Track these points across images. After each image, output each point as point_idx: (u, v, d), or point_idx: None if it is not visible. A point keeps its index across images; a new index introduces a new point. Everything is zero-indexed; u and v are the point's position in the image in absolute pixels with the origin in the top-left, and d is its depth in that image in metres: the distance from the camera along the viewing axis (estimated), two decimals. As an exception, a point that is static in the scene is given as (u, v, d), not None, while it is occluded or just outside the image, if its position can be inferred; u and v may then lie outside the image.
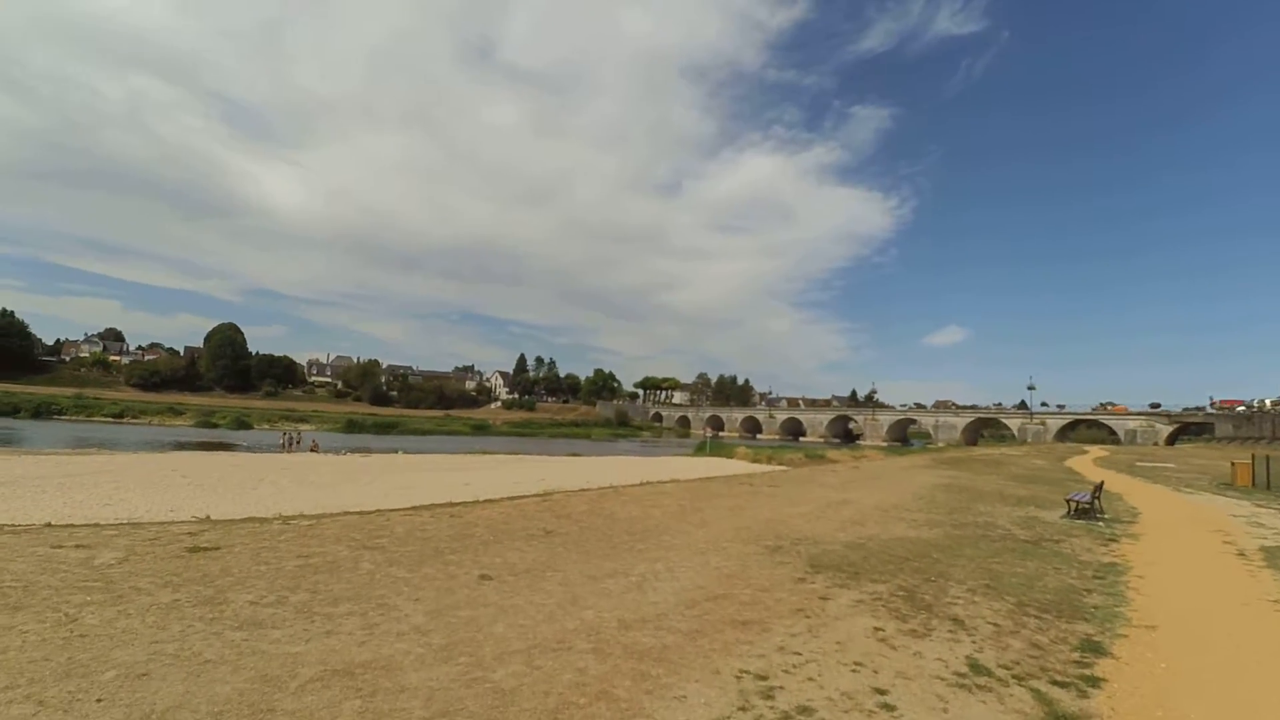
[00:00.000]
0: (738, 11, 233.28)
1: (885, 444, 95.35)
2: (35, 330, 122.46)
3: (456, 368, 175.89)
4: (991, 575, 7.56)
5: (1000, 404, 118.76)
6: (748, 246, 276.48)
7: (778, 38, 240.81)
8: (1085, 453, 54.91)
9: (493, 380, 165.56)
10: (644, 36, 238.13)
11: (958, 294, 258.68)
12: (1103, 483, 14.74)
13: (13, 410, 61.53)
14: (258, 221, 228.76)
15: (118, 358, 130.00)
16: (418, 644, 4.44)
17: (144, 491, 17.13)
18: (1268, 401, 69.30)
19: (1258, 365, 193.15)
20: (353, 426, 76.42)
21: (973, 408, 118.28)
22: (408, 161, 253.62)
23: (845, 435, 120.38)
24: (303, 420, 79.39)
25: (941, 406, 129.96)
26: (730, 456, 45.48)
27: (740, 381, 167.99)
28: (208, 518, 13.45)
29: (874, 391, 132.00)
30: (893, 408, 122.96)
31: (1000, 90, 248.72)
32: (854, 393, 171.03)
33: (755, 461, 41.15)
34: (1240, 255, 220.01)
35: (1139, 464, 38.79)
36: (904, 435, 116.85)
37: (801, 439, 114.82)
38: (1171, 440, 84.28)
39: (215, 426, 66.66)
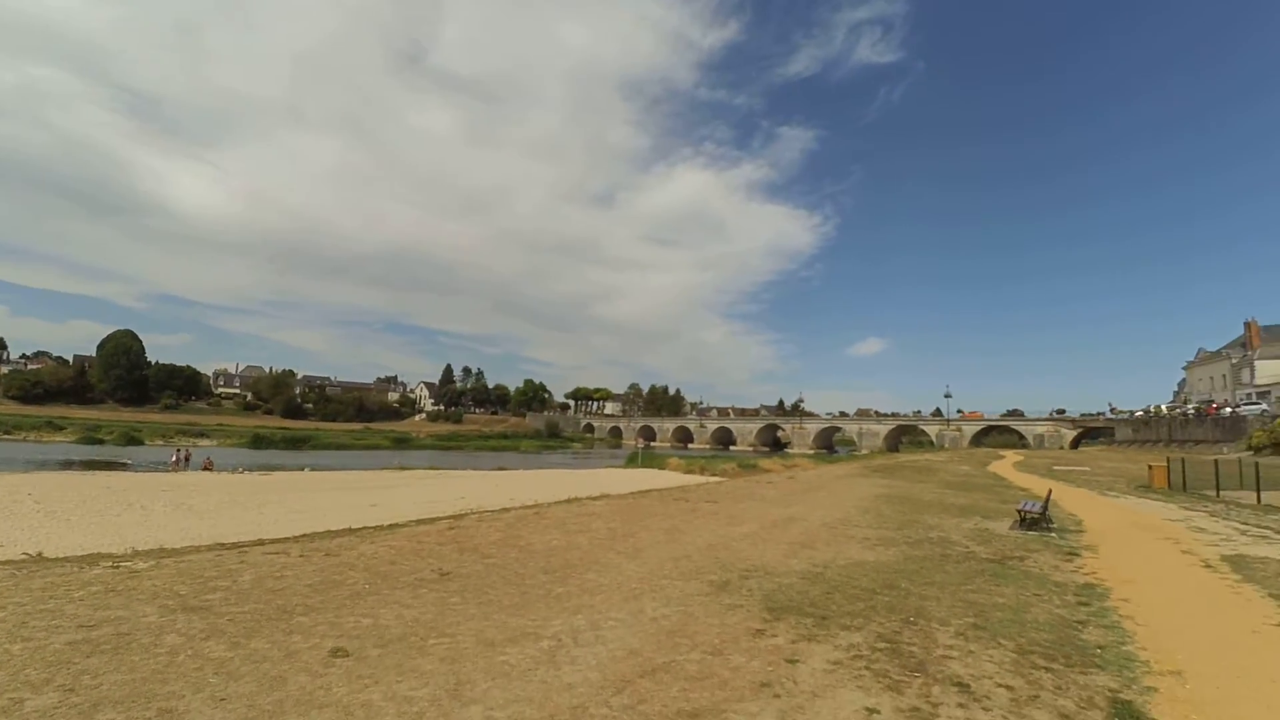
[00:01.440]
0: (672, 31, 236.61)
1: (813, 451, 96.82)
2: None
3: (379, 379, 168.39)
4: (974, 610, 6.45)
5: (919, 411, 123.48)
6: (681, 259, 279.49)
7: (709, 57, 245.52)
8: (1002, 457, 56.85)
9: (418, 392, 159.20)
10: (581, 51, 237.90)
11: (878, 308, 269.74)
12: (1050, 492, 14.32)
13: None
14: (165, 223, 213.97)
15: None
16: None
17: (-36, 524, 14.19)
18: (1163, 407, 74.15)
19: (1152, 376, 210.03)
20: (259, 442, 70.86)
21: (894, 415, 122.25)
22: (335, 166, 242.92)
23: (774, 444, 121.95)
24: (203, 435, 73.14)
25: (864, 414, 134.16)
26: (663, 468, 44.35)
27: (672, 392, 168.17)
28: (38, 555, 11.08)
29: (800, 401, 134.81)
30: (818, 416, 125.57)
31: (915, 117, 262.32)
32: (781, 402, 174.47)
33: (689, 472, 40.18)
34: (1131, 282, 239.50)
35: (1056, 467, 40.07)
36: (830, 443, 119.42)
37: (732, 448, 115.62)
38: (1075, 444, 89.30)
39: (101, 443, 60.26)
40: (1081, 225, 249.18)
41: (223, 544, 11.84)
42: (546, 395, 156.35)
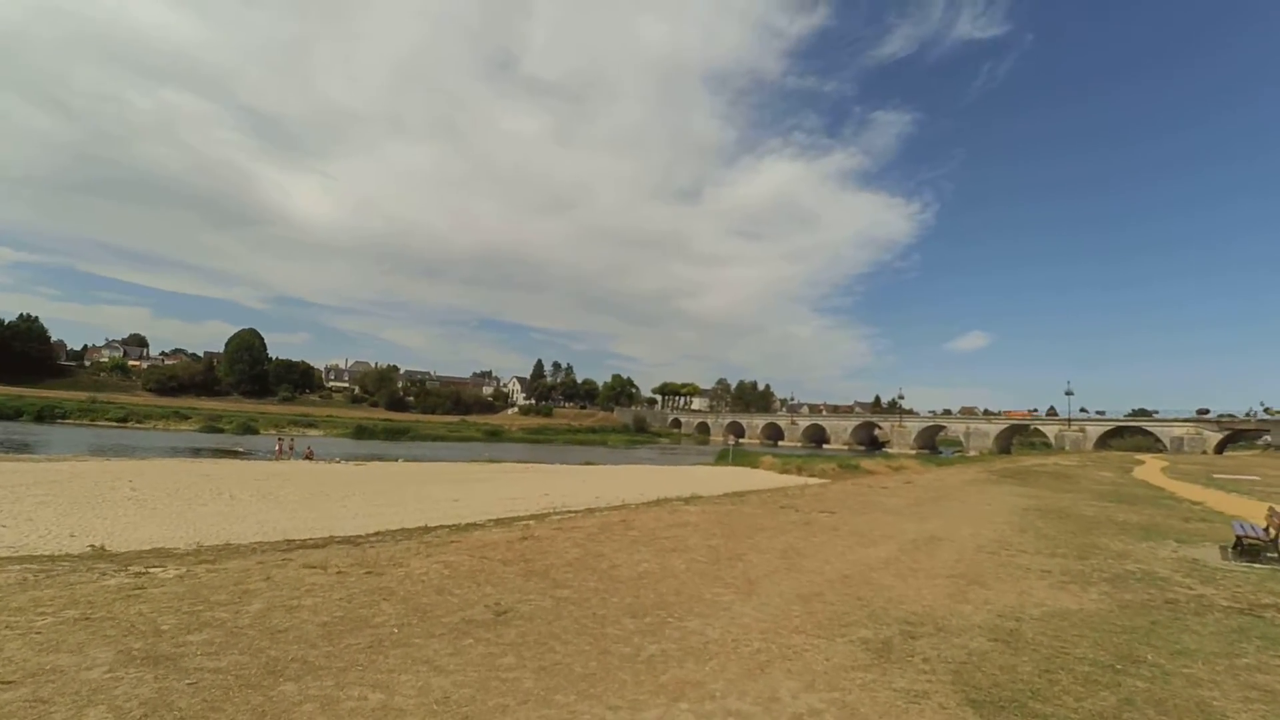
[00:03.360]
0: (757, 20, 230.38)
1: (914, 452, 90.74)
2: (65, 337, 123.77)
3: (474, 374, 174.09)
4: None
5: (1035, 410, 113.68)
6: (769, 252, 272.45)
7: (797, 45, 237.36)
8: (1142, 462, 50.42)
9: (510, 386, 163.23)
10: (663, 45, 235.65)
11: (981, 298, 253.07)
12: (1273, 510, 11.14)
13: (15, 414, 59.87)
14: (285, 230, 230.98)
15: (138, 363, 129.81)
16: None
17: (65, 508, 14.17)
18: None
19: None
20: (362, 432, 73.99)
21: (1004, 414, 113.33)
22: (431, 171, 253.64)
23: (870, 442, 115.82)
24: (312, 425, 77.23)
25: (968, 413, 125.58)
26: (755, 466, 41.84)
27: (761, 388, 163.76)
28: (101, 548, 10.52)
29: (901, 397, 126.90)
30: (918, 414, 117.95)
31: (1024, 91, 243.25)
32: (878, 399, 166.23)
33: (784, 472, 37.54)
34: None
35: (1215, 475, 34.47)
36: (933, 443, 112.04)
37: (825, 446, 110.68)
38: (1220, 448, 78.97)
39: (220, 431, 64.57)
40: (1227, 181, 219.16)
41: (289, 540, 10.95)
42: (634, 390, 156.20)
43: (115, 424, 64.40)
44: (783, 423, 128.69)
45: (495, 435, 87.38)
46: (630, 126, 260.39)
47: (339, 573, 6.18)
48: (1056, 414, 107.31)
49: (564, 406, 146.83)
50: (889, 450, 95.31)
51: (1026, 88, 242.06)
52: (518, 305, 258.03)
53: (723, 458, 47.65)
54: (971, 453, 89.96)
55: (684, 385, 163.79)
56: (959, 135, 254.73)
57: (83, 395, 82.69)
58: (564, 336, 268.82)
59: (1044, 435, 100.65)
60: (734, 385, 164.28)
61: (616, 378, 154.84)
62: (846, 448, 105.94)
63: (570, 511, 14.52)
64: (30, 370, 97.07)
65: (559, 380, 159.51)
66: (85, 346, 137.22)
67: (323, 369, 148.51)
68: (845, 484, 22.40)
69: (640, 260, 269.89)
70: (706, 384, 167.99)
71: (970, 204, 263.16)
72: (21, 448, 38.07)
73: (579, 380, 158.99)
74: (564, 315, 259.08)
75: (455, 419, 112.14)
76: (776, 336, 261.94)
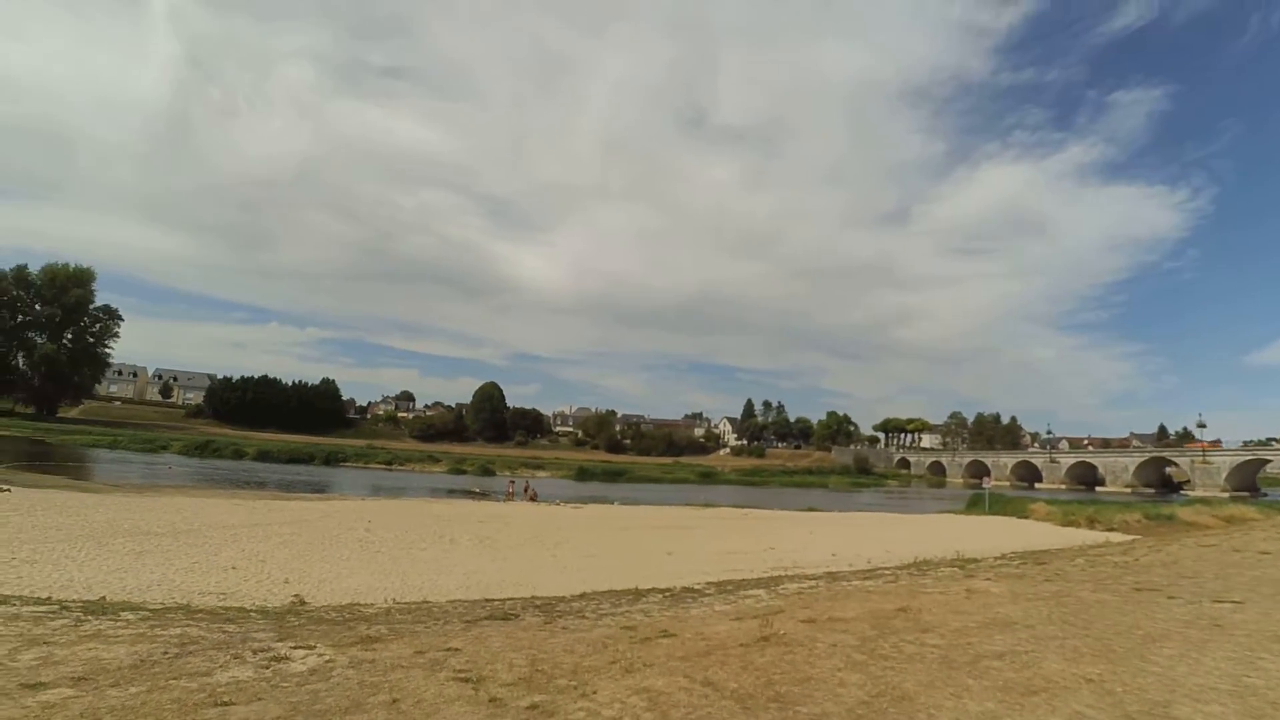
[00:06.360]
0: (956, 22, 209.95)
1: (1226, 494, 70.28)
2: (355, 395, 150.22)
3: (686, 415, 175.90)
4: None
5: None
6: (994, 268, 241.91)
7: (1007, 39, 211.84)
8: None
9: (721, 426, 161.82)
10: (848, 69, 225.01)
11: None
12: None
13: (308, 458, 71.98)
14: (517, 296, 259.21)
15: (405, 414, 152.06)
16: None
17: (301, 549, 14.64)
18: None
19: None
20: (583, 474, 76.77)
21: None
22: (634, 228, 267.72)
23: (1162, 483, 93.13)
24: (540, 467, 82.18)
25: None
26: (1023, 515, 34.28)
27: (1006, 421, 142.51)
28: (299, 600, 10.01)
29: (1201, 425, 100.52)
30: (1226, 446, 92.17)
31: None
32: (1162, 429, 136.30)
33: (1068, 523, 30.03)
34: None
35: None
36: (1252, 483, 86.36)
37: (1099, 489, 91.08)
38: None
39: (464, 473, 71.03)
40: None
41: (487, 599, 9.64)
42: (852, 428, 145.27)
43: (383, 466, 74.24)
44: (1039, 461, 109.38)
45: (708, 477, 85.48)
46: (823, 158, 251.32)
47: (491, 701, 4.07)
48: None
49: (777, 446, 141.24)
50: (1189, 494, 75.64)
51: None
52: (723, 347, 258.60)
53: (975, 504, 40.30)
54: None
55: (911, 421, 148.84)
56: (1229, 103, 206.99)
57: (361, 442, 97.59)
58: (771, 375, 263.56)
59: None
60: (970, 419, 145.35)
61: (832, 414, 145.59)
62: (1129, 491, 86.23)
63: (807, 577, 11.51)
64: (327, 423, 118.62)
65: (770, 419, 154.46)
66: (369, 403, 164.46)
67: (550, 415, 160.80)
68: (1183, 545, 16.19)
69: (846, 291, 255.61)
70: (933, 417, 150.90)
71: (1259, 179, 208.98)
72: (319, 488, 44.15)
73: (791, 419, 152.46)
74: (770, 354, 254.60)
75: (669, 460, 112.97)
76: (1012, 362, 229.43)
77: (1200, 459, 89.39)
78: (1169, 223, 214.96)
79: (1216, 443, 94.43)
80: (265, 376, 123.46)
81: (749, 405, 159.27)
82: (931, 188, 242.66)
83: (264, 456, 70.54)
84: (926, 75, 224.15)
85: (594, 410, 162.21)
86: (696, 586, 10.39)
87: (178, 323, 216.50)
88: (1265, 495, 73.86)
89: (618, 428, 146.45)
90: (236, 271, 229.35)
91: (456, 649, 5.58)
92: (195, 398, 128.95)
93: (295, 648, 5.68)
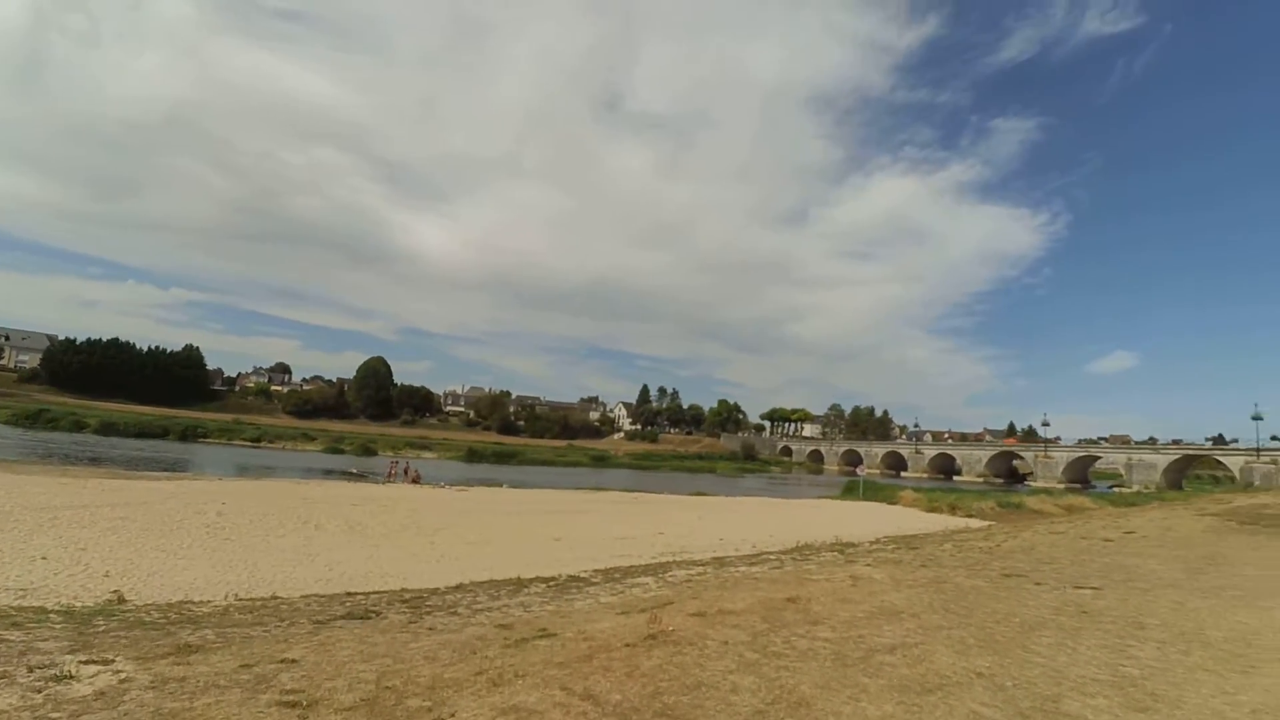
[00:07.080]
0: (864, 38, 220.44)
1: (1063, 485, 79.41)
2: (225, 366, 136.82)
3: (581, 399, 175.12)
4: None
5: (1221, 437, 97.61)
6: (880, 272, 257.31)
7: (907, 58, 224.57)
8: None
9: (616, 411, 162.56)
10: (766, 71, 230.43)
11: (1128, 314, 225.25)
12: None
13: (162, 432, 64.88)
14: (411, 268, 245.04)
15: (279, 388, 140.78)
16: None
17: (132, 535, 12.75)
18: None
19: None
20: (473, 455, 74.52)
21: (1176, 443, 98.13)
22: (544, 209, 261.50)
23: (1009, 475, 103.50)
24: (427, 448, 78.81)
25: (1119, 441, 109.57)
26: (892, 501, 36.58)
27: (879, 414, 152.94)
28: (118, 598, 8.66)
29: (1045, 423, 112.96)
30: (1064, 443, 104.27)
31: (1165, 87, 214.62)
32: (1012, 426, 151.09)
33: (932, 510, 32.27)
34: None
35: None
36: (1084, 476, 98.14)
37: (956, 478, 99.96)
38: None
39: (342, 452, 66.81)
40: None
41: (349, 594, 8.72)
42: (741, 416, 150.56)
43: (250, 444, 68.39)
44: (905, 452, 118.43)
45: (601, 461, 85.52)
46: (733, 155, 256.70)
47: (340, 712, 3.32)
48: (1225, 443, 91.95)
49: (670, 432, 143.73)
50: (1032, 484, 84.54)
51: (1168, 82, 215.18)
52: (625, 334, 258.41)
53: (850, 490, 42.61)
54: (1135, 487, 77.85)
55: (794, 411, 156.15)
56: (1092, 139, 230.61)
57: (228, 417, 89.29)
58: (670, 363, 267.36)
59: (1226, 468, 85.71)
60: (848, 411, 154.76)
61: (723, 403, 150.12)
62: (981, 480, 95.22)
63: (696, 563, 11.32)
64: (188, 394, 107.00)
65: (665, 405, 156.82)
66: (238, 374, 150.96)
67: (442, 394, 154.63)
68: (1036, 531, 17.61)
69: (746, 285, 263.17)
70: (817, 410, 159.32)
71: (1109, 211, 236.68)
72: (172, 467, 39.61)
73: (685, 406, 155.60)
74: (670, 343, 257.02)
75: (563, 444, 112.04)
76: (890, 361, 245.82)
77: (1042, 454, 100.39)
78: (1030, 243, 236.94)
79: (1056, 440, 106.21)
80: (116, 340, 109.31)
81: (644, 391, 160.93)
82: (830, 192, 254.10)
83: (109, 430, 62.92)
84: (834, 84, 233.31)
85: (488, 390, 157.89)
86: (583, 575, 9.88)
87: (14, 274, 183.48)
88: (1094, 487, 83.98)
89: (512, 409, 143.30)
90: (90, 221, 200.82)
91: (293, 660, 4.71)
92: (30, 360, 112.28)
93: (87, 662, 4.59)
